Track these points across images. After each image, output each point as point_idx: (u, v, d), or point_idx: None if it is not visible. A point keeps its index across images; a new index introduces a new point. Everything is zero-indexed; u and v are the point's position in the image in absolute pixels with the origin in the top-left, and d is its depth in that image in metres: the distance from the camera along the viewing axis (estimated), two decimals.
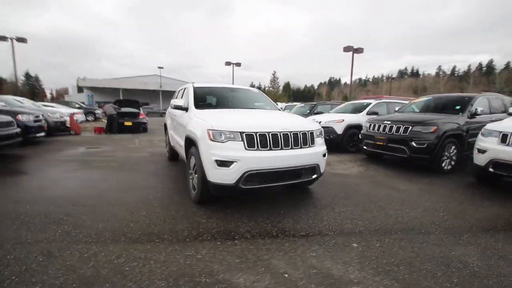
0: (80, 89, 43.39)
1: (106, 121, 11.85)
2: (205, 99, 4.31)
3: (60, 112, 10.44)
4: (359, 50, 18.65)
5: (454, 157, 5.25)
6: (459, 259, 2.21)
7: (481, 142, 4.23)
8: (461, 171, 5.27)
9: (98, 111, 20.69)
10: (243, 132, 2.90)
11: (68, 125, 10.48)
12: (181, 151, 4.19)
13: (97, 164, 5.50)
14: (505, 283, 1.91)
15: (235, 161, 2.81)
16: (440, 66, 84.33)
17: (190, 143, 3.47)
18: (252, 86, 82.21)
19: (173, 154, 5.74)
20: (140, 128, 12.19)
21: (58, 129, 9.77)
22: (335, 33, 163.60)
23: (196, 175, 3.15)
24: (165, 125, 6.13)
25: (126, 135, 11.06)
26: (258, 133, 2.92)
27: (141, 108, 12.90)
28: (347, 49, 18.77)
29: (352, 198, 3.68)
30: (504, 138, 3.89)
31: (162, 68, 35.85)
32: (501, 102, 6.30)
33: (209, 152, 2.90)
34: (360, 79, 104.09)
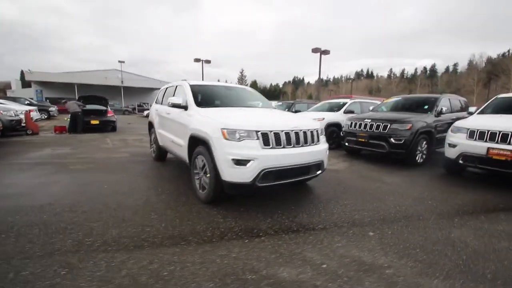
0: (25, 84, 38.57)
1: (68, 119, 10.80)
2: (204, 97, 4.22)
3: (14, 109, 9.25)
4: (326, 52, 19.57)
5: (425, 151, 5.88)
6: (459, 240, 2.53)
7: (451, 137, 4.82)
8: (430, 164, 5.92)
9: (52, 109, 18.73)
10: (259, 131, 2.93)
11: (23, 124, 9.34)
12: (179, 151, 4.06)
13: (74, 166, 5.05)
14: (501, 256, 2.26)
15: (252, 160, 2.84)
16: (391, 69, 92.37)
17: (196, 142, 3.40)
18: None
19: (160, 154, 5.51)
20: (108, 127, 11.34)
21: (13, 128, 8.66)
22: (298, 34, 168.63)
23: (208, 175, 3.09)
24: (150, 124, 5.84)
25: (93, 134, 10.21)
26: (272, 132, 2.98)
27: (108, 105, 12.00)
28: (315, 50, 19.57)
29: (349, 191, 3.94)
30: (471, 134, 4.48)
31: (123, 62, 33.39)
32: (458, 102, 7.20)
33: (224, 151, 2.88)
34: (321, 79, 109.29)
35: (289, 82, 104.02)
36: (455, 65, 78.69)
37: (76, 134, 10.13)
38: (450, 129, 5.01)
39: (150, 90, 40.91)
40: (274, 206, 3.25)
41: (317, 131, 3.45)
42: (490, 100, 5.63)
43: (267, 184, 2.99)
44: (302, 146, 3.19)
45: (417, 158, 5.73)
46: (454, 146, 4.70)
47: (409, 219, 3.01)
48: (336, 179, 4.55)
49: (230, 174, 2.88)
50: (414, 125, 5.58)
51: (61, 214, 2.88)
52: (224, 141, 2.90)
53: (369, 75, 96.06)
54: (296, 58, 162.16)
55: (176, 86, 4.77)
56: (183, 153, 3.88)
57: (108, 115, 11.34)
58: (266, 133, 2.96)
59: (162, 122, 4.98)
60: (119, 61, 33.50)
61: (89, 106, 11.06)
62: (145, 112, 30.50)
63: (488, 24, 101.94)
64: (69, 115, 10.49)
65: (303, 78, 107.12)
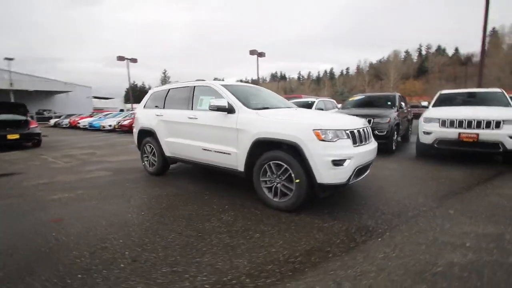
0: None
1: None
2: (241, 99, 3.87)
3: None
4: (262, 54, 20.48)
5: (396, 140, 7.02)
6: (497, 202, 3.22)
7: (426, 126, 5.91)
8: (399, 150, 7.09)
9: None
10: (347, 130, 2.95)
11: None
12: (222, 159, 3.62)
13: (55, 196, 3.81)
14: None
15: (349, 159, 2.84)
16: (300, 72, 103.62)
17: (265, 147, 3.15)
18: (135, 85, 73.40)
19: (164, 167, 4.75)
20: (31, 141, 8.80)
21: None
22: (215, 34, 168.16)
23: (297, 180, 2.90)
24: (144, 133, 4.92)
25: (15, 153, 7.77)
26: (355, 130, 3.05)
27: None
28: (252, 52, 20.19)
29: (376, 181, 4.33)
30: (443, 123, 5.63)
31: (12, 59, 25.69)
32: (403, 98, 8.83)
33: (322, 153, 2.78)
34: (241, 80, 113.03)
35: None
36: (348, 69, 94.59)
37: None
38: (421, 120, 6.13)
39: (50, 94, 33.45)
40: (351, 206, 3.30)
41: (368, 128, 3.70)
42: (437, 96, 7.16)
43: (354, 181, 3.06)
44: (369, 143, 3.37)
45: (393, 146, 6.78)
46: (429, 133, 5.79)
47: (453, 195, 3.59)
48: None
49: (329, 176, 2.80)
50: (391, 119, 6.58)
51: (124, 257, 2.20)
52: (320, 142, 2.80)
53: (282, 77, 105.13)
54: (215, 59, 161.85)
55: (194, 87, 4.20)
56: (231, 162, 3.50)
57: (31, 126, 8.80)
58: (353, 132, 3.01)
59: (176, 128, 4.29)
60: (7, 59, 25.80)
61: (2, 116, 8.30)
62: (52, 121, 24.91)
63: (369, 35, 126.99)
64: None
65: (223, 79, 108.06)
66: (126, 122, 14.98)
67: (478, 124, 5.19)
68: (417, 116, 8.07)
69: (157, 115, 4.61)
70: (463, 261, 2.03)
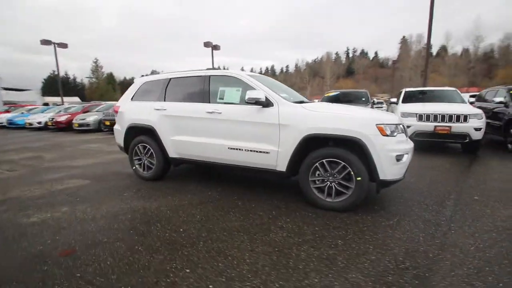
0: None
1: None
2: (277, 91, 3.48)
3: None
4: (217, 47, 19.66)
5: None
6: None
7: (405, 120, 6.49)
8: None
9: None
10: (400, 124, 2.92)
11: None
12: (256, 159, 3.20)
13: (31, 216, 2.81)
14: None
15: (407, 153, 2.82)
16: (242, 67, 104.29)
17: (316, 144, 2.91)
18: (54, 75, 62.79)
19: (164, 170, 4.03)
20: None
21: None
22: (156, 24, 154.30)
23: (358, 178, 2.73)
24: (138, 130, 4.06)
25: None
26: (401, 124, 3.04)
27: None
28: (207, 44, 19.21)
29: None
30: (420, 117, 6.25)
31: None
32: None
33: (386, 148, 2.67)
34: None
35: (147, 75, 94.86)
36: (287, 66, 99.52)
37: None
38: (399, 114, 6.70)
39: None
40: (386, 199, 3.33)
41: None
42: (403, 93, 7.92)
43: None
44: None
45: None
46: (408, 126, 6.37)
47: (470, 182, 3.97)
48: None
49: (392, 172, 2.73)
50: None
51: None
52: (384, 138, 2.69)
53: None
54: (153, 50, 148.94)
55: (210, 77, 3.61)
56: (269, 161, 3.14)
57: None
58: (403, 126, 2.99)
59: (189, 125, 3.62)
60: None
61: None
62: None
63: (305, 36, 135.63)
64: None
65: (162, 72, 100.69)
66: (62, 118, 12.47)
67: (450, 118, 5.92)
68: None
69: (157, 109, 3.84)
70: None
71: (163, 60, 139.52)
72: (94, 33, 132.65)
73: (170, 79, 3.93)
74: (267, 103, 3.12)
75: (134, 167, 4.20)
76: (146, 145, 4.00)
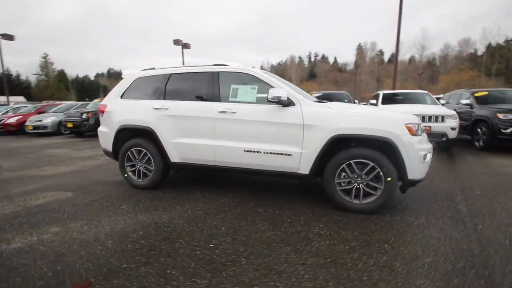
0: None
1: None
2: (295, 89, 3.30)
3: None
4: (188, 46, 18.89)
5: None
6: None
7: None
8: None
9: None
10: (420, 124, 2.95)
11: None
12: (277, 162, 2.99)
13: (13, 240, 2.25)
14: None
15: (430, 153, 2.85)
16: None
17: (342, 144, 2.81)
18: None
19: (164, 176, 3.60)
20: None
21: None
22: (114, 18, 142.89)
23: (389, 179, 2.67)
24: (132, 132, 3.57)
25: None
26: (421, 124, 3.08)
27: None
28: (176, 42, 18.35)
29: None
30: None
31: None
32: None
33: (415, 148, 2.67)
34: None
35: (103, 74, 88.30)
36: (253, 67, 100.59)
37: None
38: None
39: None
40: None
41: None
42: (381, 95, 8.31)
43: None
44: None
45: None
46: None
47: (462, 178, 4.21)
48: None
49: (419, 171, 2.73)
50: None
51: None
52: (414, 137, 2.69)
53: None
54: (109, 47, 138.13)
55: (219, 74, 3.30)
56: (291, 164, 2.96)
57: None
58: (422, 126, 3.03)
59: (197, 126, 3.25)
60: None
61: None
62: None
63: (270, 39, 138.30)
64: None
65: (120, 71, 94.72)
66: (12, 120, 10.80)
67: (430, 118, 6.34)
68: None
69: (156, 109, 3.41)
70: None
71: (123, 58, 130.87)
72: (41, 27, 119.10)
73: (171, 74, 3.53)
74: (288, 102, 2.94)
75: (125, 175, 3.69)
76: (142, 149, 3.53)
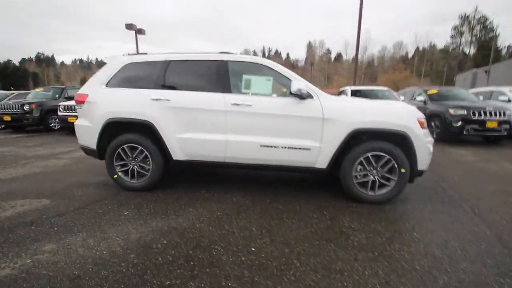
0: None
1: None
2: None
3: None
4: (142, 32, 17.24)
5: None
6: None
7: None
8: None
9: None
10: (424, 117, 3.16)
11: None
12: (294, 157, 2.92)
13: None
14: None
15: (431, 144, 3.08)
16: None
17: (359, 137, 2.86)
18: None
19: (162, 175, 3.22)
20: None
21: None
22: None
23: (403, 171, 2.81)
24: (124, 125, 3.07)
25: None
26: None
27: None
28: (129, 26, 16.57)
29: None
30: None
31: None
32: None
33: (426, 141, 2.87)
34: (81, 60, 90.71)
35: (31, 59, 75.71)
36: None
37: None
38: None
39: None
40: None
41: None
42: (350, 91, 8.81)
43: None
44: None
45: None
46: None
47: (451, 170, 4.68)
48: None
49: (427, 162, 2.94)
50: None
51: None
52: (423, 131, 2.87)
53: None
54: (38, 29, 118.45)
55: (227, 63, 3.03)
56: (309, 158, 2.93)
57: None
58: None
59: (206, 119, 2.95)
60: None
61: None
62: None
63: (223, 29, 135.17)
64: None
65: (53, 56, 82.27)
66: None
67: None
68: None
69: (156, 100, 2.99)
70: None
71: (55, 42, 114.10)
72: None
73: (171, 61, 3.12)
74: (307, 95, 2.87)
75: (115, 176, 3.19)
76: (137, 145, 3.09)
